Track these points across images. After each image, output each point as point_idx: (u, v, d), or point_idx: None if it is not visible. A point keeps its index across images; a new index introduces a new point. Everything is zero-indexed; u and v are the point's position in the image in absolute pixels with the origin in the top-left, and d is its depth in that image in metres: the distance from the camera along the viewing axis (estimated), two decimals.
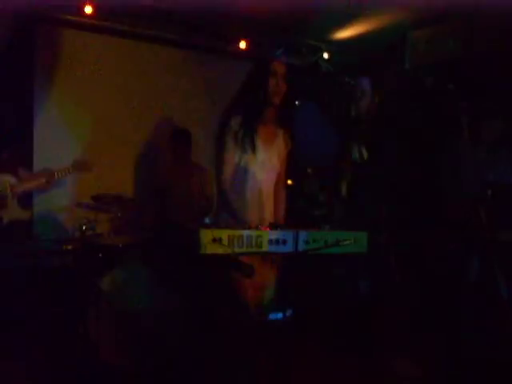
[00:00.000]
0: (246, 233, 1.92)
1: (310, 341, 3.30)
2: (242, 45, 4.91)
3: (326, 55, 5.18)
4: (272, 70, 2.57)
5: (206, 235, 1.84)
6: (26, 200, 3.53)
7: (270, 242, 1.97)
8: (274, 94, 2.57)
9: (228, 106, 2.69)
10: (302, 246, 2.02)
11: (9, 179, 2.85)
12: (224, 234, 1.87)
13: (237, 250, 1.89)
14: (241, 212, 2.53)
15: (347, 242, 2.09)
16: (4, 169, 2.81)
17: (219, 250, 1.86)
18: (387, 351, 3.21)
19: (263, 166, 2.64)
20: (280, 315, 2.35)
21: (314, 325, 3.45)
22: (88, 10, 4.18)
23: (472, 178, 3.45)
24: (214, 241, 1.84)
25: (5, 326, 2.51)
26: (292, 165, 2.83)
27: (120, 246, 3.56)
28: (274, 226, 2.06)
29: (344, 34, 4.76)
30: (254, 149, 2.58)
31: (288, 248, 2.01)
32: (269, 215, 2.66)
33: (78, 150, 4.39)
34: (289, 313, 2.36)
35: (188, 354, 2.76)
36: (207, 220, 2.65)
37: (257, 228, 1.99)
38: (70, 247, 3.71)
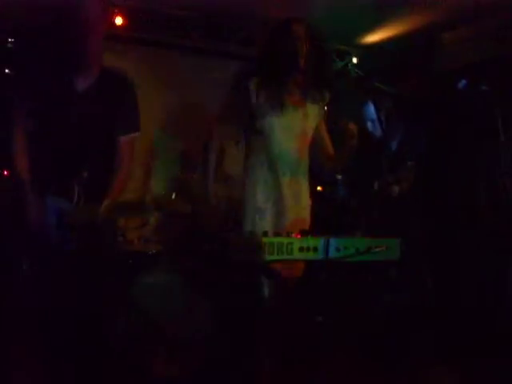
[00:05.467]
0: (276, 240, 1.90)
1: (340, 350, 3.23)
2: None
3: (354, 60, 5.12)
4: (294, 32, 2.33)
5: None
6: None
7: (301, 249, 1.94)
8: (299, 56, 2.32)
9: (245, 70, 2.52)
10: (332, 254, 1.99)
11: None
12: None
13: (267, 257, 1.87)
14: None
15: (379, 249, 2.05)
16: None
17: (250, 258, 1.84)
18: (424, 363, 3.10)
19: (292, 131, 2.44)
20: None
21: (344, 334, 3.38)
22: (118, 21, 4.24)
23: (509, 182, 3.35)
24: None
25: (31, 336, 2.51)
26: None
27: (150, 253, 3.58)
28: (304, 233, 2.04)
29: (373, 38, 4.70)
30: (281, 110, 2.34)
31: (319, 255, 1.98)
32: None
33: None
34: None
35: (218, 361, 2.75)
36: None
37: (287, 235, 1.97)
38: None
